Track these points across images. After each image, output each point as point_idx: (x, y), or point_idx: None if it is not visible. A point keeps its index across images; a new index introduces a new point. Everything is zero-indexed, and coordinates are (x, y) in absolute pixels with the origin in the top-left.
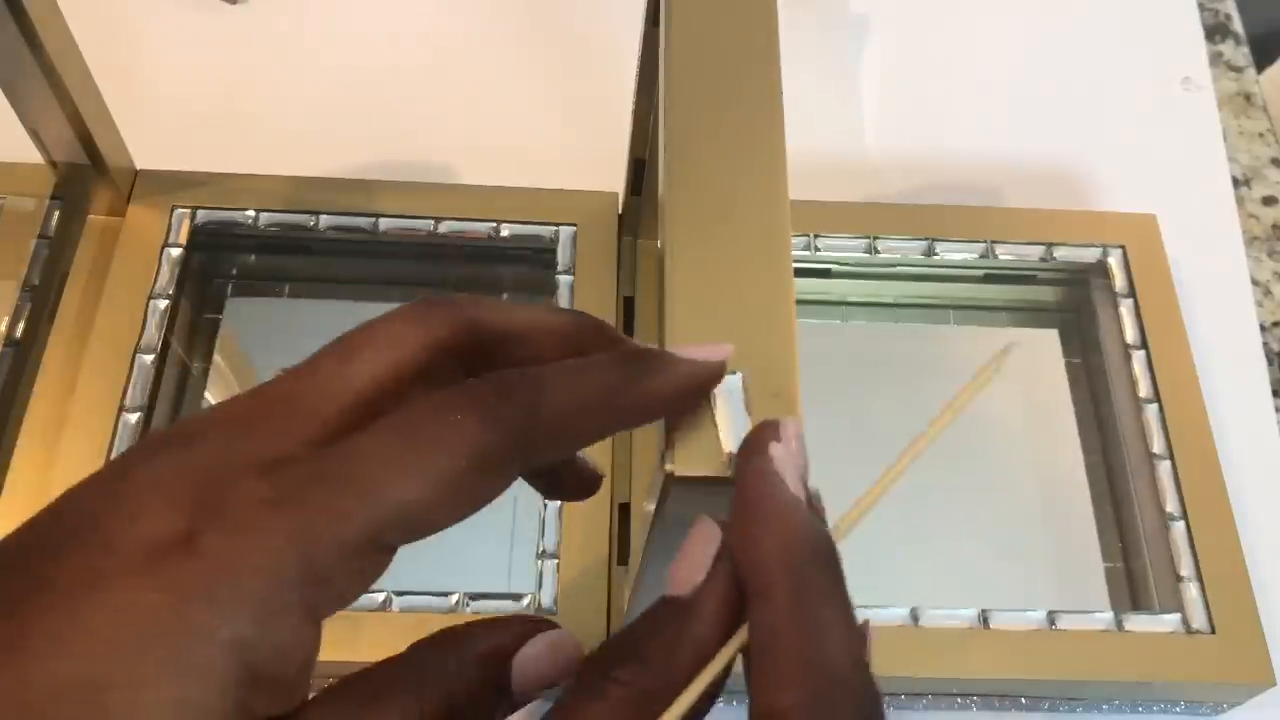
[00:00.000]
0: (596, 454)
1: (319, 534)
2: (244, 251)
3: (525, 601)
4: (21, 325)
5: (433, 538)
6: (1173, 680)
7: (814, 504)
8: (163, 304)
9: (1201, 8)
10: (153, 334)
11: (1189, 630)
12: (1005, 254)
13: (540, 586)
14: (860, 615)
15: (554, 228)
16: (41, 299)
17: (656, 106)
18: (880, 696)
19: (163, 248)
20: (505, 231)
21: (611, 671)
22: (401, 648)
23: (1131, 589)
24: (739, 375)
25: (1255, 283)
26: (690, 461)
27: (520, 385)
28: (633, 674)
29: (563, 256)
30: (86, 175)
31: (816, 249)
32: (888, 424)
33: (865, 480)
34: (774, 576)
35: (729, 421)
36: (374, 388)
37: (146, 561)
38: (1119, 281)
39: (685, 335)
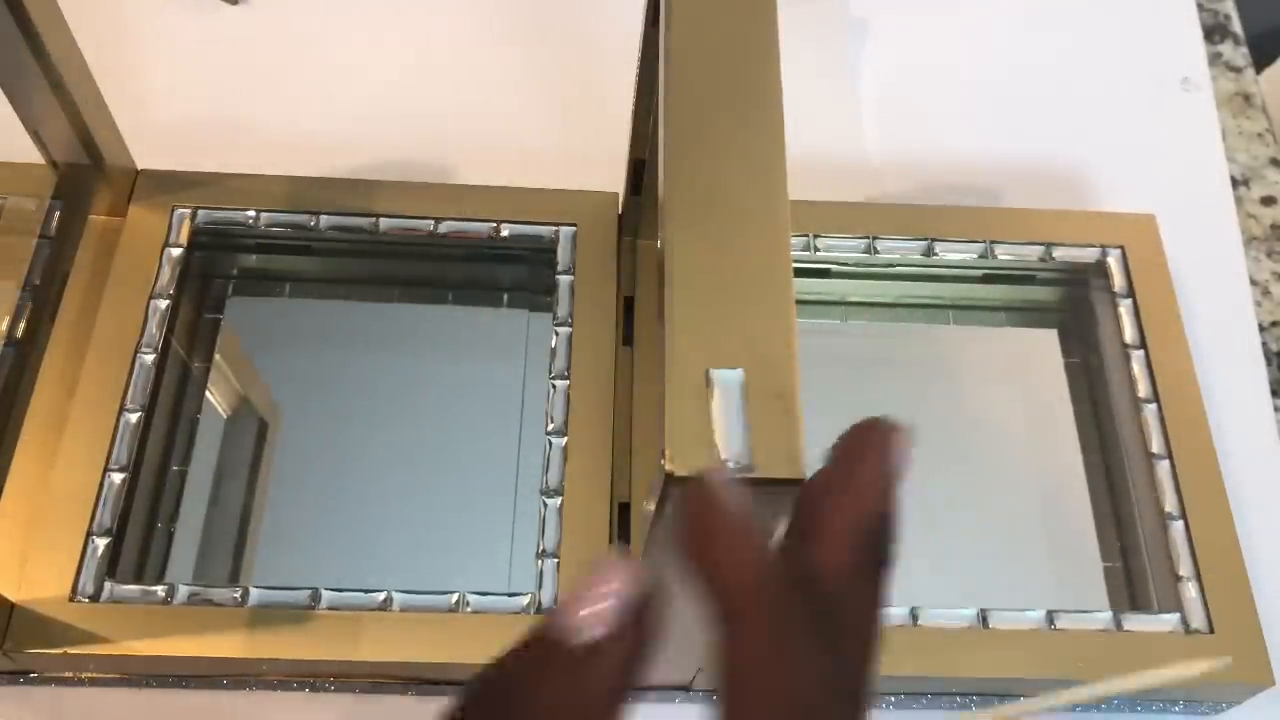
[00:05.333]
0: (596, 451)
1: None
2: (244, 251)
3: (525, 601)
4: (23, 325)
5: (432, 537)
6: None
7: (888, 526)
8: (163, 304)
9: (1200, 8)
10: (153, 334)
11: (1188, 630)
12: (1004, 254)
13: (540, 586)
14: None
15: (554, 228)
16: (43, 299)
17: (656, 106)
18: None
19: (164, 248)
20: (505, 231)
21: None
22: (401, 648)
23: (1130, 589)
24: (738, 373)
25: (1254, 282)
26: (688, 462)
27: None
28: None
29: (563, 256)
30: (87, 175)
31: (816, 249)
32: None
33: None
34: (745, 603)
35: (726, 421)
36: None
37: None
38: (1118, 281)
39: (686, 335)
